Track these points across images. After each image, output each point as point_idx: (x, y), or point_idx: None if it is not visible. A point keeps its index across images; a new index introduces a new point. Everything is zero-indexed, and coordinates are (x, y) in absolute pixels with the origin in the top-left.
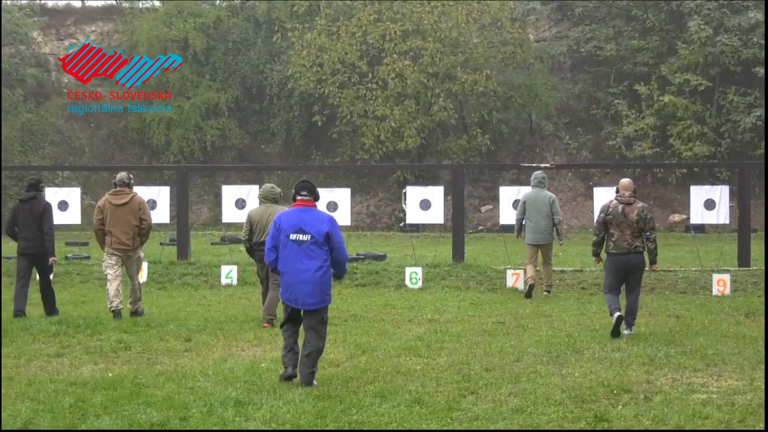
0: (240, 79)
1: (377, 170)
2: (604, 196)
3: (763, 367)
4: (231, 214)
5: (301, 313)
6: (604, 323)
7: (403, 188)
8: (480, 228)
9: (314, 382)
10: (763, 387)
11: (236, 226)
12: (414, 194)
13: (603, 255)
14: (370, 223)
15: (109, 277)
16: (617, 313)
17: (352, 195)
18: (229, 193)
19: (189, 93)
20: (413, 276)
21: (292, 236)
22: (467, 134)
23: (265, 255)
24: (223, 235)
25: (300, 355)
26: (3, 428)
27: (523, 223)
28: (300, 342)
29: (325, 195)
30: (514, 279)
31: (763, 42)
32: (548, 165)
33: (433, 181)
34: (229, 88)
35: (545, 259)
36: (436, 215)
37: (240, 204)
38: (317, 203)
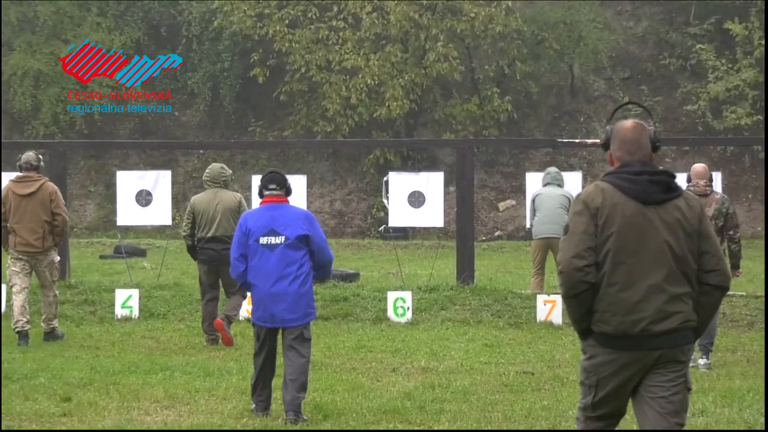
0: (142, 14)
1: (346, 149)
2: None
3: None
4: (130, 214)
5: (279, 333)
6: None
7: (384, 175)
8: (497, 234)
9: (303, 415)
10: None
11: (137, 230)
12: (400, 184)
13: None
14: (335, 227)
15: (14, 288)
16: None
17: (309, 185)
18: (128, 182)
19: (68, 34)
20: (399, 304)
21: (263, 240)
22: (478, 95)
23: (231, 267)
24: (119, 244)
25: (283, 379)
26: (3, 428)
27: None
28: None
29: None
30: (548, 308)
31: None
32: (598, 141)
33: (428, 165)
34: (127, 28)
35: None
36: (433, 215)
37: (143, 199)
38: (290, 198)
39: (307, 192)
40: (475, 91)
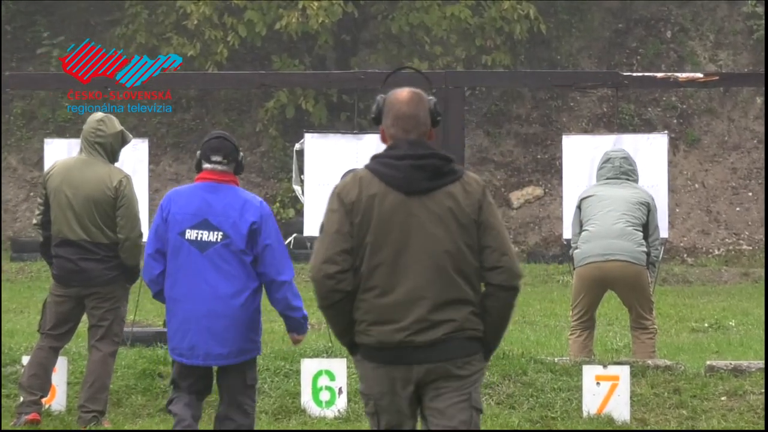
0: None
1: (223, 90)
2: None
3: None
4: None
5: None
6: None
7: (296, 139)
8: None
9: None
10: None
11: None
12: (326, 156)
13: None
14: None
15: None
16: None
17: (155, 159)
18: None
19: None
20: (323, 383)
21: (190, 234)
22: None
23: (144, 268)
24: None
25: None
26: (3, 428)
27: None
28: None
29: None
30: (605, 392)
31: None
32: (698, 76)
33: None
34: None
35: (635, 312)
36: None
37: None
38: (239, 176)
39: (151, 170)
40: None
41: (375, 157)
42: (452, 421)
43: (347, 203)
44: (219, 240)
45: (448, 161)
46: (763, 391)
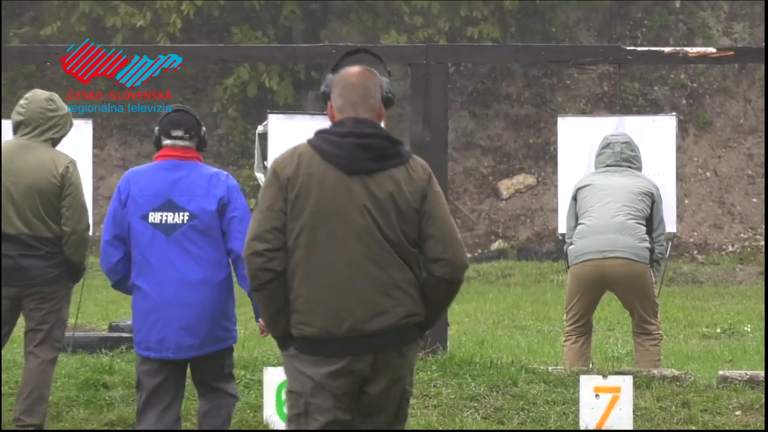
0: None
1: (182, 66)
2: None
3: None
4: None
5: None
6: None
7: (259, 120)
8: (497, 246)
9: None
10: None
11: None
12: (290, 137)
13: None
14: None
15: None
16: None
17: (99, 142)
18: None
19: None
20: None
21: (154, 217)
22: None
23: (101, 256)
24: None
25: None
26: (3, 428)
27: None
28: None
29: None
30: (605, 404)
31: None
32: (710, 51)
33: None
34: None
35: (638, 316)
36: None
37: None
38: (202, 152)
39: (95, 155)
40: None
41: (319, 133)
42: (386, 410)
43: (282, 179)
44: (186, 221)
45: (393, 143)
46: None
